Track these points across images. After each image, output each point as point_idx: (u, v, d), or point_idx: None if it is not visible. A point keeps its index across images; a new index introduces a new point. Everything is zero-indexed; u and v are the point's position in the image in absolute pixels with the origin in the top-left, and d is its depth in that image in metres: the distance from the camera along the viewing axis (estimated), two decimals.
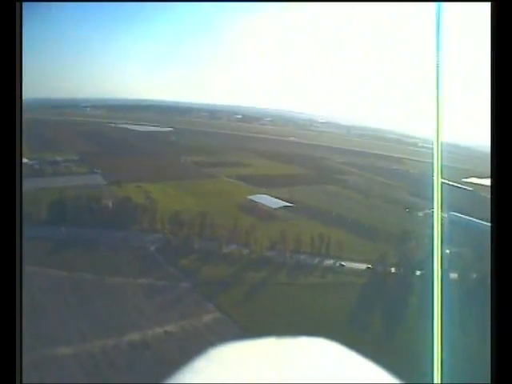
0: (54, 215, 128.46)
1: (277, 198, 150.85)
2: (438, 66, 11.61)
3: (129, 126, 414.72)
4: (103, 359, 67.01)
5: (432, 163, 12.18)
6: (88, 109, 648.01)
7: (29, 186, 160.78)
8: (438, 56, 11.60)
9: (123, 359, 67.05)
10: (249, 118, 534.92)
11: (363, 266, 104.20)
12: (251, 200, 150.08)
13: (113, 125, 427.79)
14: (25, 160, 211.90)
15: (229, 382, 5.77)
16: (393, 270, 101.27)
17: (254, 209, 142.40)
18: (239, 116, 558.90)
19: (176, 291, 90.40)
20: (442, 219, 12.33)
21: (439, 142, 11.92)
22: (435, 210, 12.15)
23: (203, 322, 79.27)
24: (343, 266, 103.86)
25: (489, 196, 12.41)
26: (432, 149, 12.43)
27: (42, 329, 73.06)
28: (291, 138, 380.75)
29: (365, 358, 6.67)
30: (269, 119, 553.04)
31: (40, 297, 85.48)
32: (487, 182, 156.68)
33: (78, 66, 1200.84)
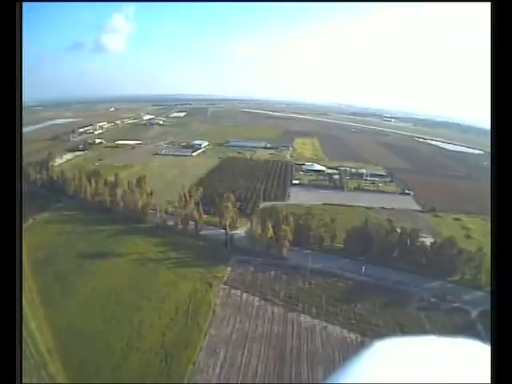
0: (352, 245, 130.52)
1: None
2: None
3: (438, 143, 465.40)
4: None
5: None
6: (393, 120, 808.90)
7: (324, 198, 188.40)
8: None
9: None
10: None
11: None
12: None
13: (421, 140, 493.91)
14: (322, 168, 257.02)
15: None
16: None
17: None
18: None
19: None
20: None
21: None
22: None
23: None
24: None
25: None
26: None
27: None
28: None
29: None
30: None
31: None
32: None
33: None
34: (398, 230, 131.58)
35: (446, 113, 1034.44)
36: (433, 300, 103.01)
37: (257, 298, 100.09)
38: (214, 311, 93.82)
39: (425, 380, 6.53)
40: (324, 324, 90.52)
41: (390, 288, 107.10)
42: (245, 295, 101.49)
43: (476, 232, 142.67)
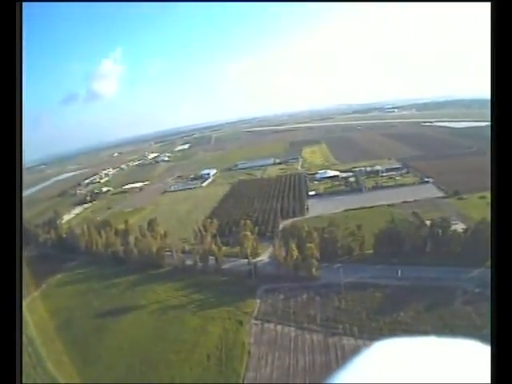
0: (383, 248, 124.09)
1: None
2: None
3: (445, 124, 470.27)
4: None
5: None
6: (396, 110, 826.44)
7: (344, 204, 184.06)
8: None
9: None
10: None
11: None
12: None
13: (428, 124, 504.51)
14: (336, 173, 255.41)
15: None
16: None
17: None
18: None
19: None
20: None
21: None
22: None
23: None
24: None
25: None
26: None
27: None
28: None
29: None
30: None
31: None
32: None
33: None
34: (427, 223, 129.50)
35: (447, 92, 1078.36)
36: (477, 290, 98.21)
37: (292, 328, 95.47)
38: (248, 351, 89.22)
39: (424, 380, 6.57)
40: (369, 343, 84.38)
41: (430, 287, 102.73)
42: (279, 327, 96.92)
43: None
